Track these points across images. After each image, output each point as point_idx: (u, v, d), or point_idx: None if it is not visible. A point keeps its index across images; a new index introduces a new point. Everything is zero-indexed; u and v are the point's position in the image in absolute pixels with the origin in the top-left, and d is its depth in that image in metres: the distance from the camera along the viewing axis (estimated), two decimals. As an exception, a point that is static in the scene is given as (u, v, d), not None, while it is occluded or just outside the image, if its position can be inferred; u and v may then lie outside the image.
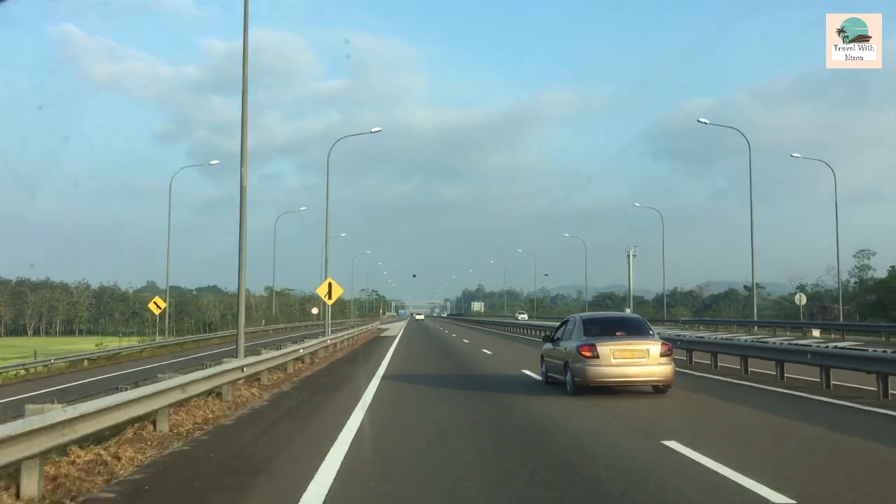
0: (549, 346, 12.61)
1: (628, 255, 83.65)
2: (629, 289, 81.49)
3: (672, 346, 11.30)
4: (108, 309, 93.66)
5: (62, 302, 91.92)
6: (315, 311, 68.48)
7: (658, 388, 10.83)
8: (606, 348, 10.32)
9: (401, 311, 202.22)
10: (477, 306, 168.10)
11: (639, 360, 10.37)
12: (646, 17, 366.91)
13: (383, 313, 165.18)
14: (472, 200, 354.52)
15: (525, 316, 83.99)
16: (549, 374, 12.42)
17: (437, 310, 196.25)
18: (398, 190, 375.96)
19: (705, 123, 41.58)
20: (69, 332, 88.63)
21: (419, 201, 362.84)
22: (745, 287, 70.59)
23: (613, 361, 10.31)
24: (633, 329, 11.28)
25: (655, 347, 10.46)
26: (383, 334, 44.41)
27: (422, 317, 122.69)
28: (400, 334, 41.76)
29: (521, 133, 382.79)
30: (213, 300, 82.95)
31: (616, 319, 13.34)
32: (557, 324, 13.40)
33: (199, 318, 65.30)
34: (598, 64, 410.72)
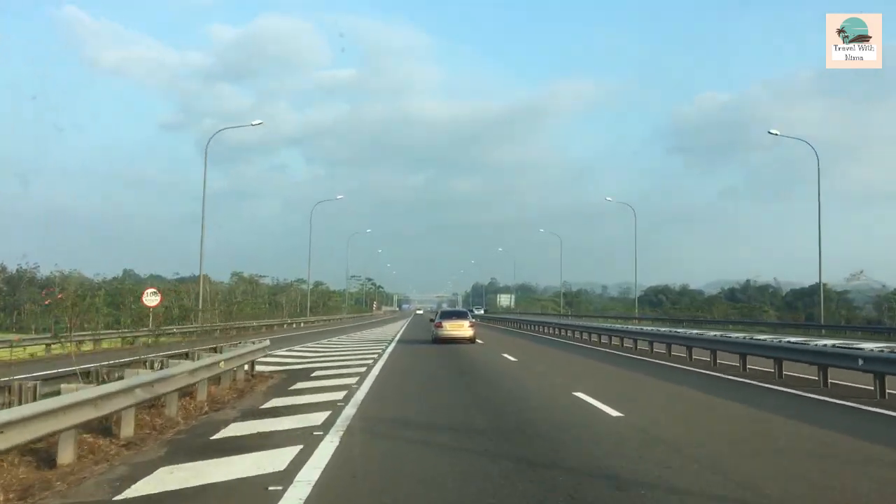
0: (431, 324, 35.34)
1: None
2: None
3: (474, 322, 34.67)
4: (22, 298, 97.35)
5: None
6: (153, 299, 48.01)
7: (471, 341, 31.72)
8: (446, 323, 33.35)
9: (404, 306, 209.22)
10: (505, 300, 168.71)
11: (459, 328, 32.86)
12: (669, 12, 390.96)
13: (378, 308, 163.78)
14: (483, 194, 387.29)
15: None
16: (433, 336, 33.03)
17: (445, 304, 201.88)
18: (407, 183, 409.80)
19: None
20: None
21: (428, 194, 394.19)
22: (886, 284, 69.59)
23: (448, 328, 32.87)
24: (460, 315, 35.85)
25: (467, 322, 33.53)
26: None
27: (421, 312, 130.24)
28: None
29: (535, 126, 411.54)
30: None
31: (454, 311, 42.03)
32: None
33: (139, 312, 69.78)
34: (616, 58, 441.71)
